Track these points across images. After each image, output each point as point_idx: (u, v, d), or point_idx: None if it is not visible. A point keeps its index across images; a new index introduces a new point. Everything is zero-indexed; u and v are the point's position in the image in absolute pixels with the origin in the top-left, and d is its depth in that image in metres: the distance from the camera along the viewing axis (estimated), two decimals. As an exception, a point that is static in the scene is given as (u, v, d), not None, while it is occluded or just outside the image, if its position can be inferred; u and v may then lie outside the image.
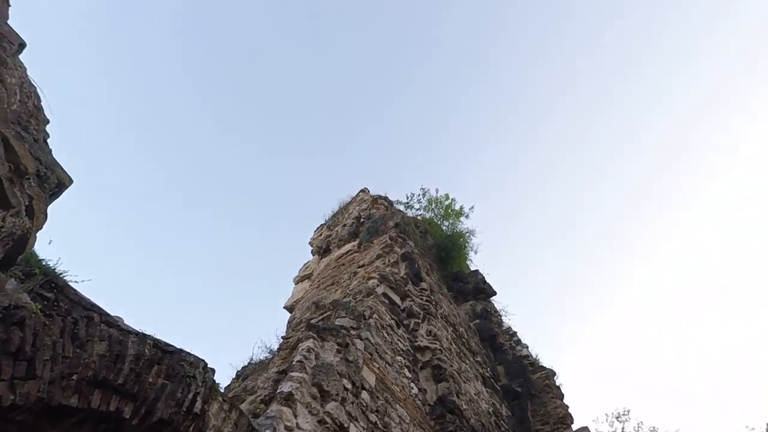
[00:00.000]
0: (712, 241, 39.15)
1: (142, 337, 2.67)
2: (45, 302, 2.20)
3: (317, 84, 43.79)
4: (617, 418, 20.33)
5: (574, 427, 8.89)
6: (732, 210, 38.63)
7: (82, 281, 2.59)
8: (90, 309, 2.46)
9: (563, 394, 9.52)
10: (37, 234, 1.84)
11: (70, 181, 2.00)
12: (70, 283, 2.51)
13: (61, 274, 2.49)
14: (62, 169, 1.98)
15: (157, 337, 2.87)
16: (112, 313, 2.68)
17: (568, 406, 9.17)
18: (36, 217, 1.68)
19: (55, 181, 1.88)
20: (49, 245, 2.42)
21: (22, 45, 2.11)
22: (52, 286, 2.32)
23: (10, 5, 2.30)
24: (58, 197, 2.00)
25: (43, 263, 2.39)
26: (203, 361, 3.08)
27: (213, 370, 3.31)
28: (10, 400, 1.89)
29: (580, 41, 41.58)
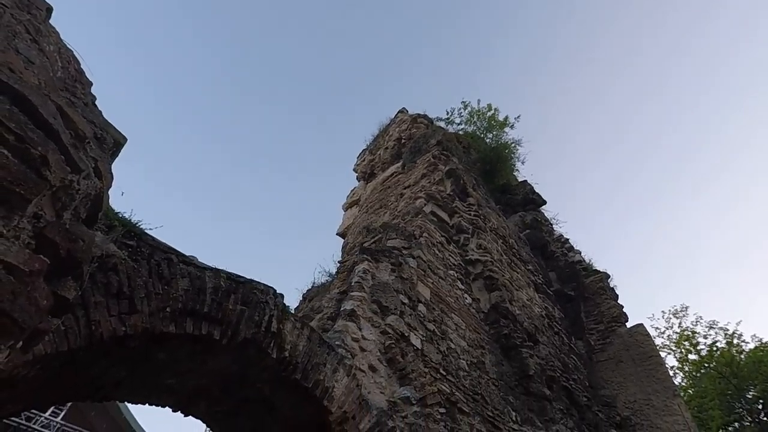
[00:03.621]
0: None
1: (216, 272, 2.96)
2: (129, 249, 2.49)
3: (351, 12, 40.86)
4: (674, 314, 20.14)
5: (629, 325, 9.06)
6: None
7: (156, 228, 2.86)
8: (168, 252, 2.73)
9: (617, 295, 9.61)
10: (108, 192, 2.01)
11: (125, 140, 2.13)
12: (146, 231, 2.79)
13: (137, 223, 2.76)
14: (115, 129, 2.10)
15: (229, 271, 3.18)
16: (186, 254, 2.97)
17: (622, 306, 9.28)
18: (104, 177, 1.83)
19: (112, 141, 2.01)
20: (122, 196, 2.66)
21: (49, 9, 2.12)
22: (132, 235, 2.60)
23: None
24: (117, 156, 2.14)
25: (120, 216, 2.66)
26: (272, 288, 3.38)
27: (282, 295, 3.65)
28: (122, 331, 2.24)
29: None
